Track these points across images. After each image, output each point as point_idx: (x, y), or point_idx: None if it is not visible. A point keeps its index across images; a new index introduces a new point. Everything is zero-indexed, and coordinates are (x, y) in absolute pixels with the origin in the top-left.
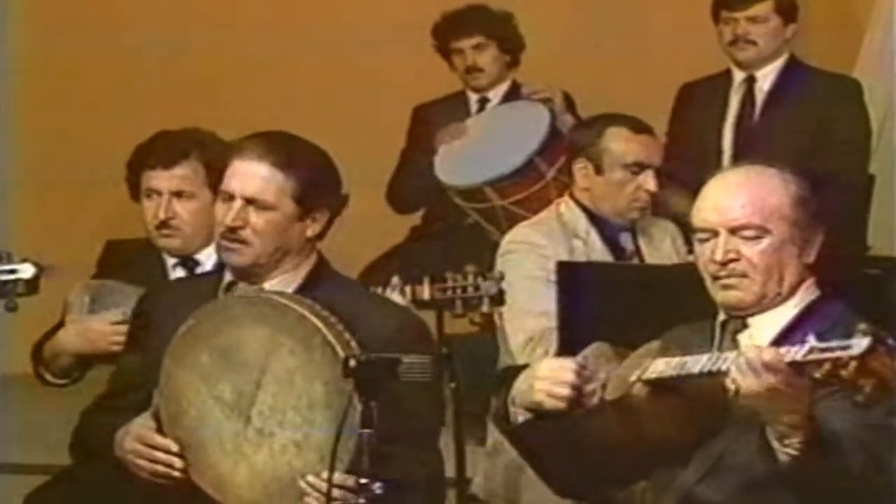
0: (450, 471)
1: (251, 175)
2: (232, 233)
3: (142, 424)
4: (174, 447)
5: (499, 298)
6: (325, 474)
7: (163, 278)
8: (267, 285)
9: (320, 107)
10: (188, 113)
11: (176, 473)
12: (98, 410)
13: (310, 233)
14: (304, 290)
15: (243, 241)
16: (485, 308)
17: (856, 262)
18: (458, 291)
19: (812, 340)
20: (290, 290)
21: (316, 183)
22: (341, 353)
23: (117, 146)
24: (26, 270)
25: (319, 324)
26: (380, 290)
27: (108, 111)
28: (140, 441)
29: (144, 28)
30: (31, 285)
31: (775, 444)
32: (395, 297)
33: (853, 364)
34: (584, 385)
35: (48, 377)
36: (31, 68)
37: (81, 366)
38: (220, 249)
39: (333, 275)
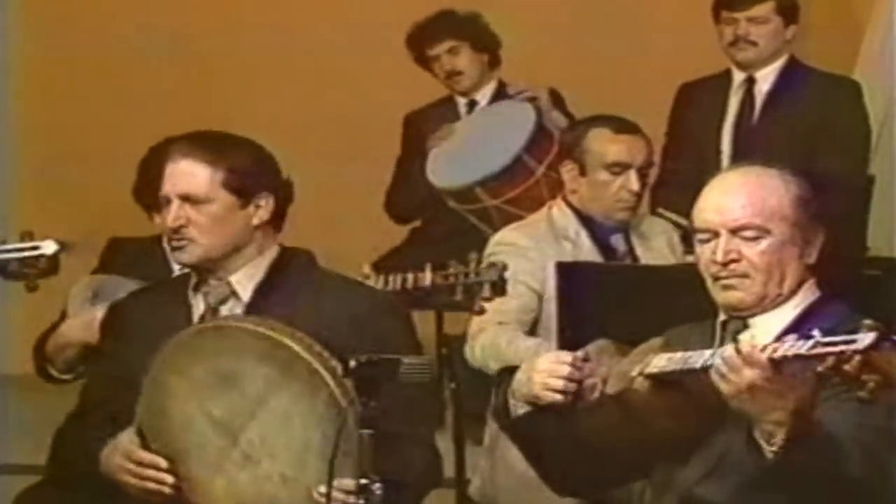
0: (449, 471)
1: (180, 174)
2: (176, 233)
3: (128, 440)
4: (163, 463)
5: (500, 286)
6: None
7: (167, 277)
8: (233, 279)
9: (319, 108)
10: (186, 112)
11: (166, 490)
12: (71, 428)
13: (256, 220)
14: (267, 282)
15: (189, 239)
16: (486, 293)
17: (855, 263)
18: (460, 278)
19: (817, 335)
20: (253, 282)
21: (246, 169)
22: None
23: (118, 145)
24: (49, 247)
25: (328, 378)
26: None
27: (108, 110)
28: (127, 457)
29: (144, 27)
30: (52, 262)
31: (762, 444)
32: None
33: (857, 359)
34: (585, 379)
35: (52, 372)
36: (31, 67)
37: (85, 359)
38: (170, 252)
39: (298, 265)
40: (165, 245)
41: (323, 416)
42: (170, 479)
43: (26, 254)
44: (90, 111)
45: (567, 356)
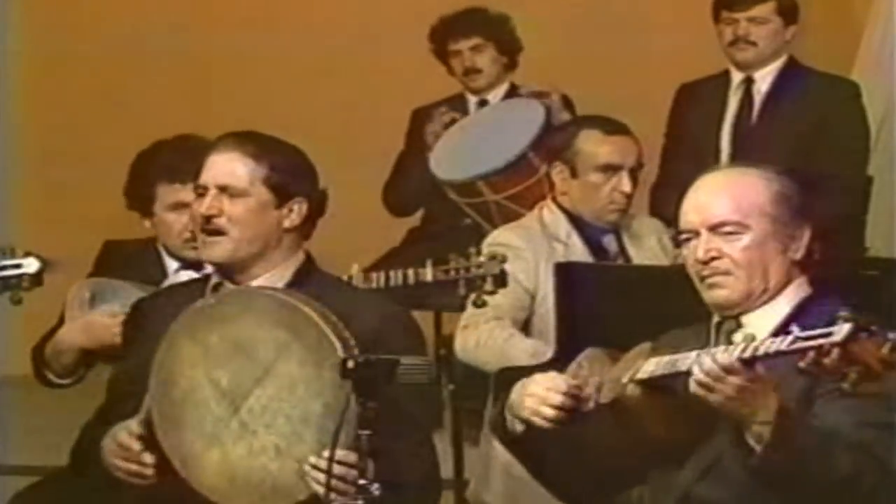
0: (447, 472)
1: (222, 164)
2: (208, 223)
3: (123, 426)
4: (136, 446)
5: (501, 279)
6: (326, 453)
7: (163, 279)
8: (254, 284)
9: (319, 108)
10: (187, 112)
11: (147, 472)
12: (96, 423)
13: (287, 224)
14: (292, 287)
15: (220, 231)
16: (488, 287)
17: (854, 264)
18: (462, 272)
19: (796, 330)
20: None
21: (288, 170)
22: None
23: (118, 145)
24: (31, 265)
25: (338, 345)
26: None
27: (107, 111)
28: (113, 441)
29: (144, 28)
30: (36, 279)
31: (753, 445)
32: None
33: (836, 352)
34: (578, 393)
35: (51, 377)
36: (31, 67)
37: (84, 363)
38: (200, 247)
39: (321, 274)
40: (160, 247)
41: (327, 384)
42: (149, 458)
43: (8, 272)
44: (89, 112)
45: (562, 384)
